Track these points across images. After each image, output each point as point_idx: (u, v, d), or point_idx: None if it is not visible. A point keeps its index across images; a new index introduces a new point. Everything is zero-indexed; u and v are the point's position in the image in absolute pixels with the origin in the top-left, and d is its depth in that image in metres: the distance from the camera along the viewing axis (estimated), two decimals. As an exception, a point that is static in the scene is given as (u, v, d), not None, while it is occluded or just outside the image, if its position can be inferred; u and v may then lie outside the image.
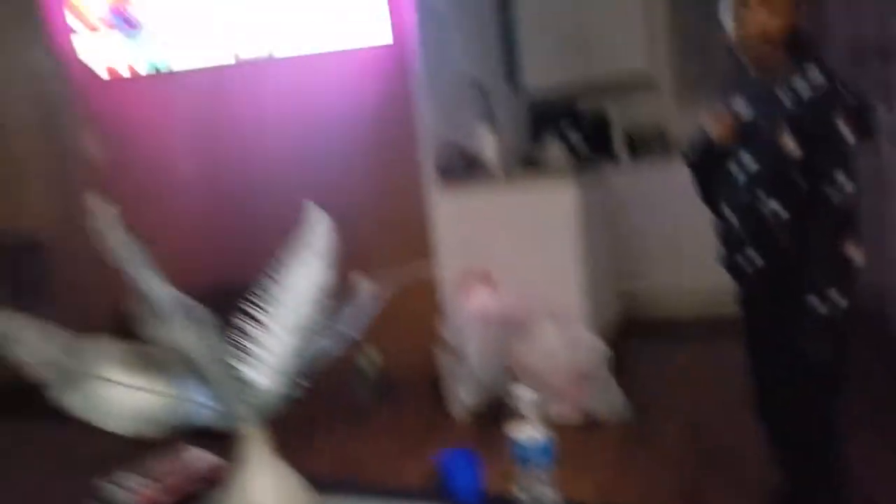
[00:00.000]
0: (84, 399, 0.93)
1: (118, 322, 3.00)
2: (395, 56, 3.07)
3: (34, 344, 0.93)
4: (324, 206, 1.22)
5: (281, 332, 1.09)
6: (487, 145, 3.34)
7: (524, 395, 1.13)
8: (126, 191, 3.12)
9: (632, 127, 4.42)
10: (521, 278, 2.94)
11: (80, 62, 3.01)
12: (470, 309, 2.91)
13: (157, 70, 3.11)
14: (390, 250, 3.06)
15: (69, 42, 2.94)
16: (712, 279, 2.07)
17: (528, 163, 4.04)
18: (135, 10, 2.77)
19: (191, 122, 3.37)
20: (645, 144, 4.37)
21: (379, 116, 3.11)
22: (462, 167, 3.23)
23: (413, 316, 2.83)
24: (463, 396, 2.82)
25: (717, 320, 2.69)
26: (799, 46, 1.61)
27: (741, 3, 1.59)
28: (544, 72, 4.41)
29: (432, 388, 2.92)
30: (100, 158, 3.14)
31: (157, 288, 1.02)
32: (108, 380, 0.95)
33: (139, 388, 0.96)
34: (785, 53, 1.60)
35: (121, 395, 0.95)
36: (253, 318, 1.09)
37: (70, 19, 2.84)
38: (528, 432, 1.12)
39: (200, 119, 3.32)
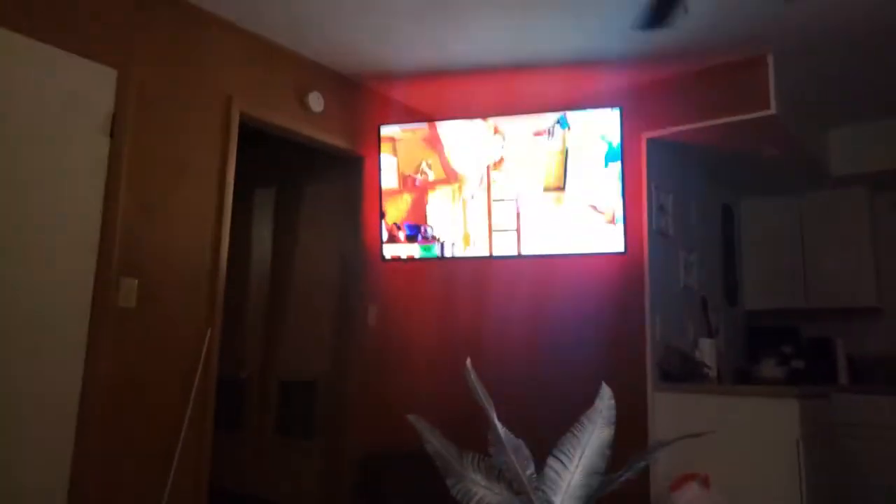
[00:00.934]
0: (459, 490, 1.43)
1: (367, 454, 3.65)
2: (627, 264, 3.59)
3: (435, 444, 1.46)
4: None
5: (576, 473, 1.53)
6: (707, 355, 3.66)
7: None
8: (390, 352, 3.86)
9: (857, 354, 4.43)
10: (735, 485, 3.07)
11: (374, 251, 3.92)
12: (681, 506, 3.08)
13: (430, 257, 3.87)
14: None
15: (375, 240, 3.87)
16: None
17: (742, 378, 4.22)
18: (432, 229, 3.63)
19: (449, 299, 4.14)
20: (871, 373, 4.35)
21: (611, 316, 3.60)
22: (683, 372, 3.54)
23: None
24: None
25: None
26: None
27: None
28: (764, 295, 4.67)
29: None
30: (373, 324, 3.92)
31: (495, 423, 1.53)
32: (475, 481, 1.44)
33: (488, 489, 1.44)
34: None
35: (479, 491, 1.43)
36: (558, 458, 1.55)
37: (382, 228, 3.77)
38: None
39: (459, 298, 4.09)
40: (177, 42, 2.95)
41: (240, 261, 4.30)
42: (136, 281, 2.71)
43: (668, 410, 3.42)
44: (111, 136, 2.67)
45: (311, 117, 3.53)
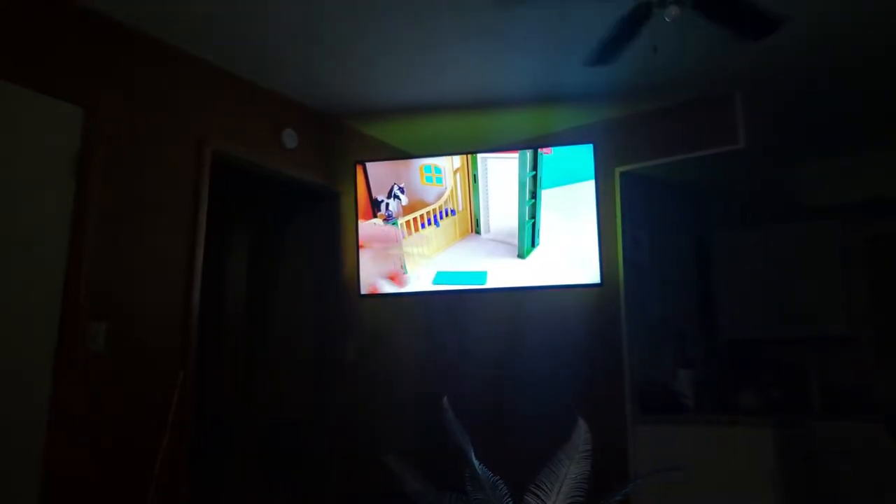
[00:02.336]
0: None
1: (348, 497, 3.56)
2: (604, 297, 3.60)
3: (413, 484, 1.44)
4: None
5: (554, 507, 1.51)
6: (685, 385, 3.67)
7: None
8: (370, 388, 3.82)
9: (831, 382, 4.48)
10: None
11: (351, 284, 3.89)
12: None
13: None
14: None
15: (352, 277, 3.85)
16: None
17: (720, 407, 4.22)
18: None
19: (427, 333, 4.13)
20: (843, 401, 4.38)
21: (589, 348, 3.61)
22: (661, 404, 3.54)
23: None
24: None
25: None
26: None
27: None
28: (739, 325, 4.72)
29: None
30: (352, 360, 3.88)
31: (473, 460, 1.52)
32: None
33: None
34: None
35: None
36: (535, 493, 1.53)
37: (358, 263, 3.74)
38: None
39: (436, 332, 4.08)
40: (147, 80, 2.94)
41: (216, 301, 4.25)
42: (104, 325, 2.65)
43: (647, 441, 3.41)
44: (78, 176, 2.62)
45: (286, 153, 3.53)
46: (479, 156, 3.53)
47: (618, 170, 3.72)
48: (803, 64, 3.15)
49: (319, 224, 3.91)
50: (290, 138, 3.52)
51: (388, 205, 3.57)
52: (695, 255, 4.65)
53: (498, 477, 1.53)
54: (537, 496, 1.50)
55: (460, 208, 3.53)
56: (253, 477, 4.01)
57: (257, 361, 4.16)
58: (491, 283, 3.48)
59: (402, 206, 3.57)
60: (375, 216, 3.59)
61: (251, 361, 4.18)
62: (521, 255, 3.48)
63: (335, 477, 3.59)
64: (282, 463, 3.94)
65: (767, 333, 4.64)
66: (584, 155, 3.44)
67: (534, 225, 3.48)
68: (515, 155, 3.49)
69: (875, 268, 4.62)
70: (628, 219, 3.73)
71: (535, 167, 3.47)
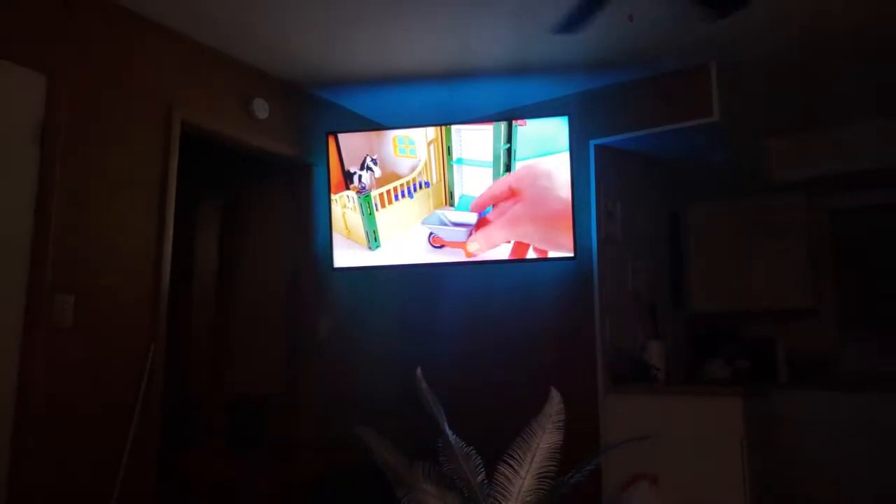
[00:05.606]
0: (410, 500, 1.40)
1: (319, 471, 3.59)
2: (577, 270, 3.62)
3: (384, 455, 1.44)
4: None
5: (527, 477, 1.52)
6: (655, 357, 3.72)
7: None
8: (343, 363, 3.81)
9: (796, 353, 4.59)
10: (683, 483, 3.13)
11: (324, 262, 3.86)
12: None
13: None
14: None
15: (325, 251, 3.81)
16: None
17: (690, 378, 4.31)
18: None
19: (401, 307, 4.13)
20: (808, 371, 4.51)
21: (562, 320, 3.63)
22: (632, 375, 3.60)
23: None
24: None
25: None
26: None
27: None
28: (708, 298, 4.81)
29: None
30: (324, 336, 3.86)
31: (446, 431, 1.52)
32: (426, 491, 1.42)
33: (440, 499, 1.42)
34: None
35: (431, 501, 1.41)
36: (508, 464, 1.54)
37: (331, 236, 3.70)
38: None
39: (410, 306, 4.08)
40: (112, 48, 2.84)
41: (186, 275, 4.18)
42: (73, 298, 2.59)
43: (618, 412, 3.46)
44: (41, 145, 2.54)
45: (257, 124, 3.46)
46: (454, 127, 3.50)
47: (593, 142, 3.72)
48: (776, 37, 3.16)
49: (292, 196, 3.86)
50: (261, 108, 3.45)
51: (360, 177, 3.53)
52: (667, 229, 4.69)
53: (471, 447, 1.53)
54: (510, 466, 1.51)
55: (434, 180, 3.51)
56: (222, 454, 3.99)
57: (228, 337, 4.12)
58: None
59: (376, 179, 3.53)
60: (348, 188, 3.55)
61: (221, 337, 4.14)
62: (496, 228, 3.47)
63: (307, 452, 3.60)
64: (252, 439, 3.93)
65: (736, 306, 4.73)
66: (558, 127, 3.42)
67: (508, 198, 3.47)
68: (490, 127, 3.47)
69: (838, 241, 4.73)
70: (602, 191, 3.75)
71: (509, 139, 3.46)
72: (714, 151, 3.90)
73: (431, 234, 3.51)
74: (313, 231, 3.76)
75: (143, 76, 2.96)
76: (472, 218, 3.45)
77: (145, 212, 2.91)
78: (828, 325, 4.66)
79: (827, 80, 3.63)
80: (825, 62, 3.40)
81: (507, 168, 3.45)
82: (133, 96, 2.91)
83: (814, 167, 4.36)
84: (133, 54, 2.93)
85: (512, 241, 3.42)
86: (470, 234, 3.45)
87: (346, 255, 3.59)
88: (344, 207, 3.56)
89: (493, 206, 3.44)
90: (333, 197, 3.57)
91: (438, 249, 3.49)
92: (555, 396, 1.62)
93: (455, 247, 3.48)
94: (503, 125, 3.46)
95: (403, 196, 3.52)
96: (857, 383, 4.11)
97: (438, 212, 3.48)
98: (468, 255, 3.46)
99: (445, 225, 3.48)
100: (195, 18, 3.00)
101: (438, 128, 3.51)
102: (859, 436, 3.93)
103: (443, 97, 3.85)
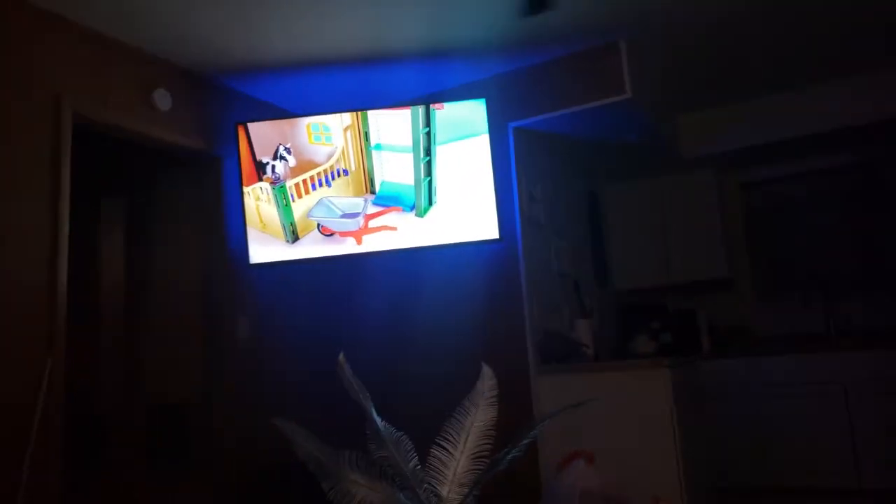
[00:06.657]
0: (337, 492, 1.31)
1: (244, 473, 3.43)
2: (502, 252, 3.60)
3: (306, 447, 1.33)
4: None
5: (462, 458, 1.46)
6: (584, 335, 3.75)
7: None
8: (266, 362, 3.65)
9: (716, 323, 4.75)
10: (618, 458, 3.16)
11: (240, 258, 3.69)
12: (569, 485, 3.12)
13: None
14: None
15: (240, 246, 3.63)
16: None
17: (618, 355, 4.37)
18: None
19: (323, 299, 3.99)
20: (728, 340, 4.67)
21: (490, 303, 3.60)
22: (562, 354, 3.60)
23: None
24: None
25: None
26: None
27: None
28: (631, 275, 4.91)
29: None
30: (245, 336, 3.69)
31: (373, 416, 1.43)
32: (355, 481, 1.32)
33: (370, 489, 1.33)
34: None
35: (360, 491, 1.32)
36: (441, 446, 1.47)
37: (245, 230, 3.53)
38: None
39: (333, 297, 3.94)
40: (-10, 33, 2.59)
41: (90, 281, 3.90)
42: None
43: (550, 392, 3.46)
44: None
45: (159, 116, 3.25)
46: (370, 113, 3.40)
47: (511, 125, 3.70)
48: (684, 18, 3.22)
49: (202, 191, 3.65)
50: (163, 99, 3.24)
51: (274, 167, 3.38)
52: (587, 208, 4.75)
53: (402, 433, 1.45)
54: (444, 448, 1.44)
55: (353, 168, 3.39)
56: (137, 465, 3.75)
57: (140, 344, 3.87)
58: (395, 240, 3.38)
59: (290, 168, 3.38)
60: (261, 179, 3.39)
61: (132, 342, 3.89)
62: (419, 214, 3.39)
63: (229, 453, 3.42)
64: (172, 451, 3.71)
65: (657, 281, 4.84)
66: (476, 110, 3.38)
67: (430, 183, 3.40)
68: (408, 111, 3.38)
69: (750, 213, 4.92)
70: (523, 174, 3.73)
71: (428, 123, 3.38)
72: (629, 130, 3.95)
73: (319, 224, 3.39)
74: (226, 227, 3.57)
75: (29, 64, 2.71)
76: (359, 206, 3.35)
77: (36, 211, 2.67)
78: (744, 294, 4.84)
79: (734, 55, 3.74)
80: (732, 37, 3.50)
81: (427, 153, 3.38)
82: (17, 86, 2.66)
83: (723, 142, 4.51)
84: (16, 41, 2.68)
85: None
86: (361, 224, 3.36)
87: (263, 250, 3.42)
88: (258, 200, 3.40)
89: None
90: (246, 189, 3.40)
91: (328, 238, 3.37)
92: (487, 372, 1.55)
93: (346, 235, 3.38)
94: (421, 109, 3.38)
95: (321, 185, 3.39)
96: (774, 349, 4.28)
97: (325, 200, 3.36)
98: (359, 243, 3.36)
99: (334, 217, 3.37)
100: (86, 5, 2.77)
101: (354, 113, 3.40)
102: (779, 397, 4.10)
103: (358, 82, 3.73)
